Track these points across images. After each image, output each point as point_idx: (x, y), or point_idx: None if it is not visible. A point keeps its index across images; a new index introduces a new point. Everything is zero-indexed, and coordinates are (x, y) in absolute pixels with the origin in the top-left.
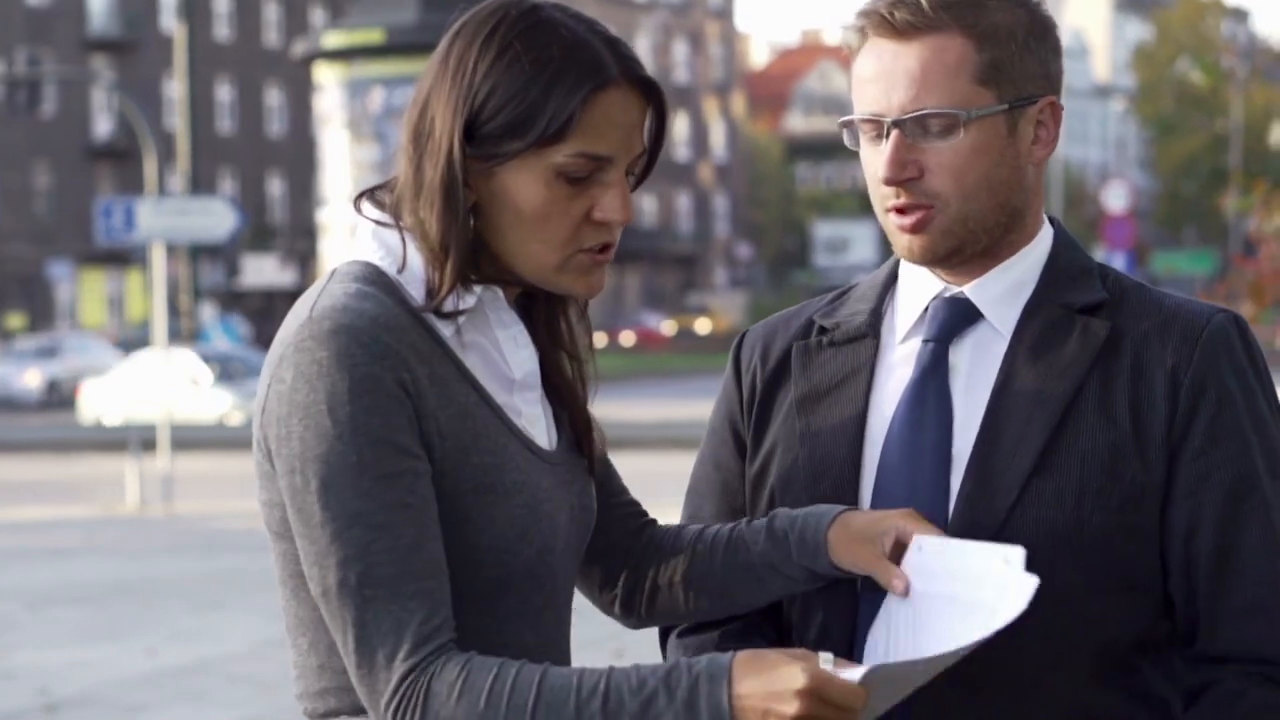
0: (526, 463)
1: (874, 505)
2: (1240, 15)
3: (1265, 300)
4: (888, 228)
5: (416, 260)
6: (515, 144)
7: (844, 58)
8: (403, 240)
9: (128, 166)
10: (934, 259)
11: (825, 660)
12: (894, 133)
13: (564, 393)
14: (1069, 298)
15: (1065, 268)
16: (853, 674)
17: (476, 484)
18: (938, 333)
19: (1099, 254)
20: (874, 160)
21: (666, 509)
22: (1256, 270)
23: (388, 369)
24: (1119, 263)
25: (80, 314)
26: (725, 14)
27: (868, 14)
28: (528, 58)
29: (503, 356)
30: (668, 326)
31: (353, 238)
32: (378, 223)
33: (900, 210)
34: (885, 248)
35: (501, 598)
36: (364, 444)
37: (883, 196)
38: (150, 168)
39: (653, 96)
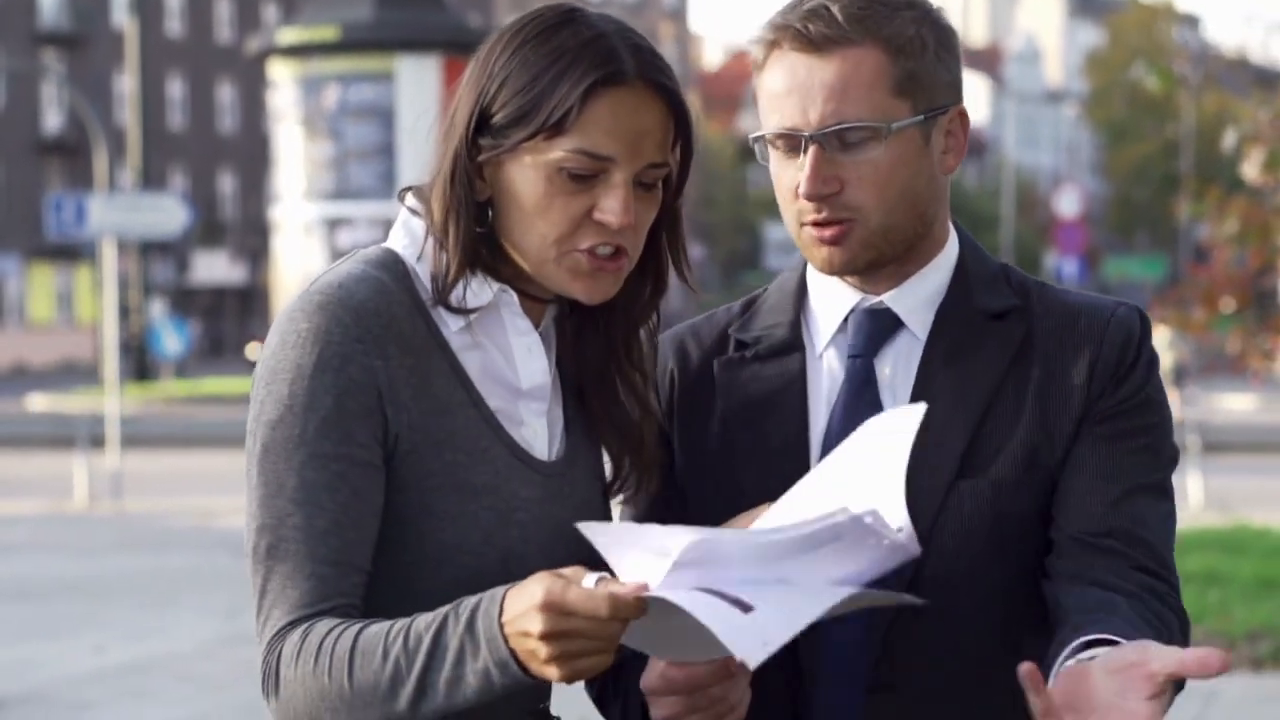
0: (507, 468)
1: None
2: (1192, 21)
3: (1217, 307)
4: (803, 240)
5: (430, 250)
6: (518, 134)
7: None
8: (426, 231)
9: (78, 161)
10: (853, 270)
11: (590, 579)
12: (813, 148)
13: (606, 408)
14: (981, 303)
15: (974, 272)
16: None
17: (444, 481)
18: (864, 347)
19: (1051, 259)
20: (788, 175)
21: None
22: (1209, 277)
23: (360, 352)
24: (1071, 268)
25: (29, 310)
26: (679, 14)
27: (780, 27)
28: (542, 50)
29: (511, 363)
30: None
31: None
32: (411, 211)
33: (818, 224)
34: None
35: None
36: (310, 419)
37: (799, 211)
38: (100, 163)
39: (675, 106)
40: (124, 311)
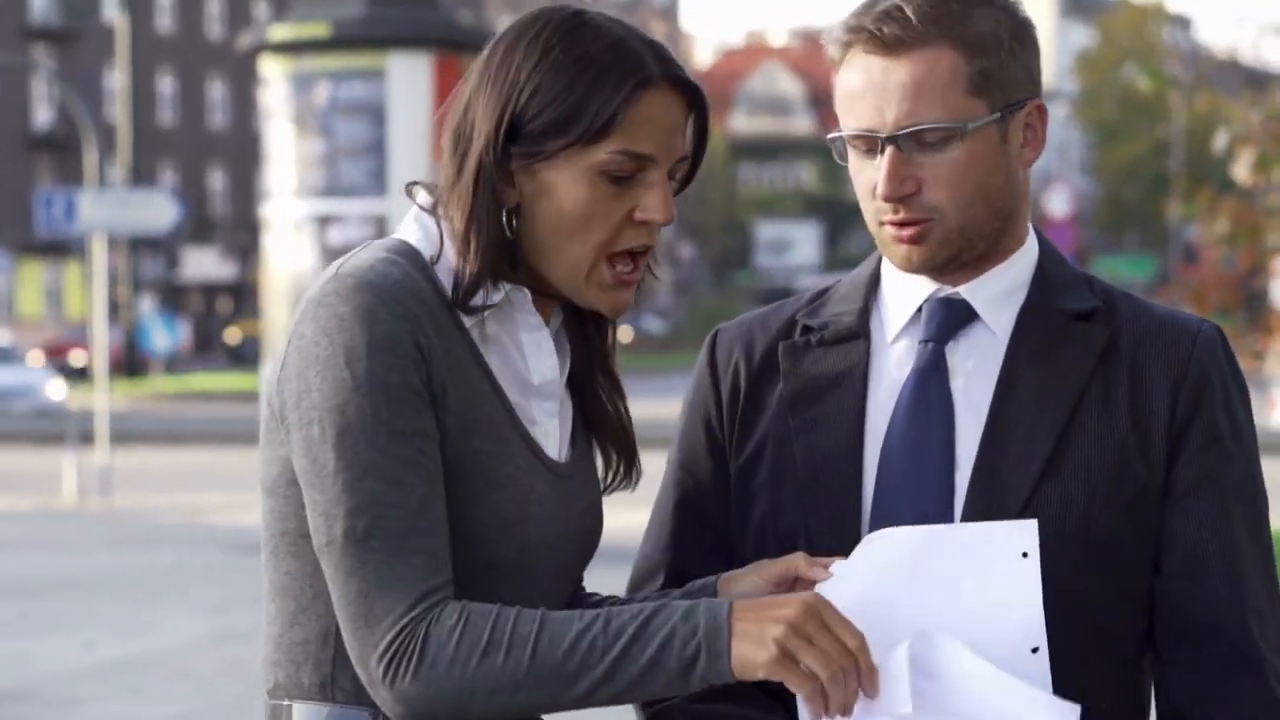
0: (526, 462)
1: (876, 503)
2: (1183, 22)
3: (1207, 307)
4: (882, 238)
5: (451, 254)
6: (559, 141)
7: (789, 58)
8: (441, 234)
9: (67, 157)
10: (932, 268)
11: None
12: (889, 149)
13: (598, 409)
14: (1063, 303)
15: (1055, 274)
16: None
17: (471, 467)
18: (936, 333)
19: None
20: (867, 175)
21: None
22: (1199, 277)
23: (407, 330)
24: None
25: (17, 305)
26: (670, 14)
27: (855, 29)
28: (570, 56)
29: (523, 359)
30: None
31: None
32: (423, 208)
33: (897, 224)
34: (827, 248)
35: (478, 598)
36: (380, 398)
37: (877, 210)
38: (90, 159)
39: (694, 100)
40: (113, 308)
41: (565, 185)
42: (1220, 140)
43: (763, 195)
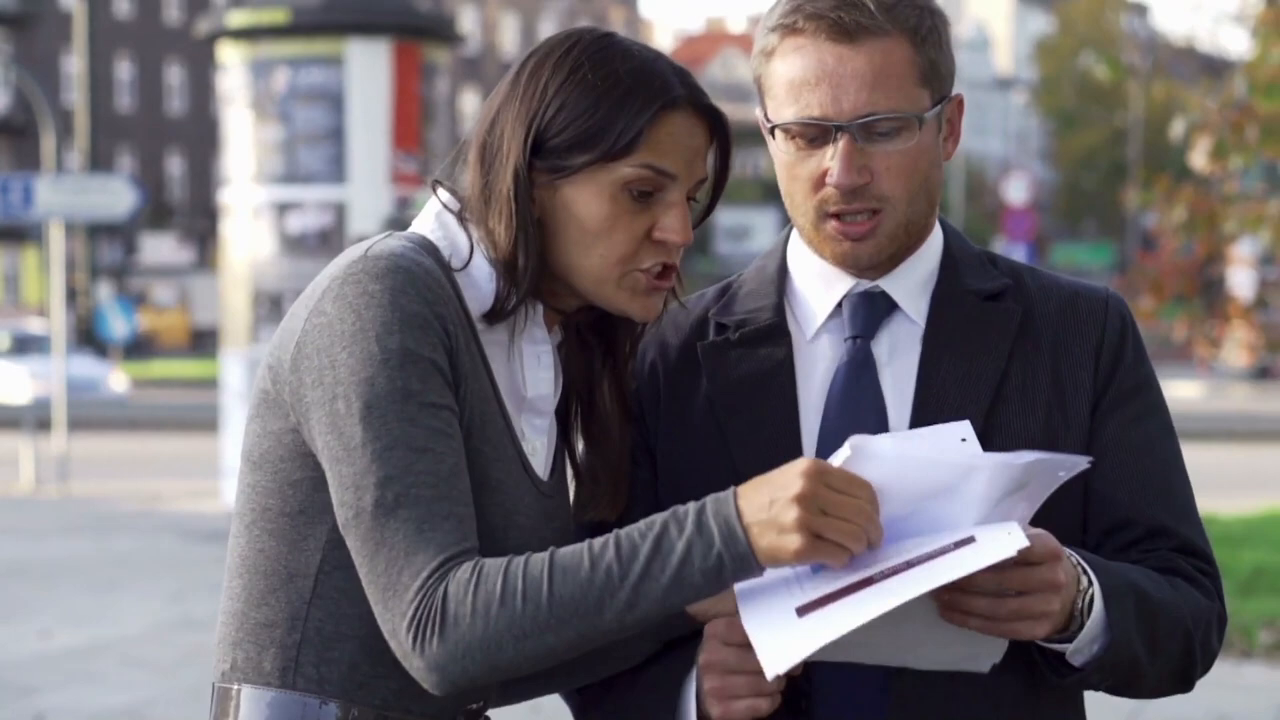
0: (516, 472)
1: None
2: (1140, 10)
3: (1165, 295)
4: (820, 233)
5: (483, 267)
6: (583, 157)
7: (748, 45)
8: (470, 243)
9: (24, 143)
10: (876, 263)
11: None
12: (844, 138)
13: (601, 431)
14: (974, 285)
15: (960, 256)
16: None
17: (470, 465)
18: (861, 329)
19: (999, 246)
20: (810, 166)
21: None
22: (1157, 265)
23: (433, 315)
24: (1019, 254)
25: None
26: (630, 0)
27: (812, 15)
28: (598, 75)
29: (521, 370)
30: None
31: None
32: (448, 208)
33: (840, 215)
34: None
35: None
36: (411, 371)
37: (822, 201)
38: (48, 144)
39: (717, 126)
40: (71, 294)
41: (587, 200)
42: (1178, 128)
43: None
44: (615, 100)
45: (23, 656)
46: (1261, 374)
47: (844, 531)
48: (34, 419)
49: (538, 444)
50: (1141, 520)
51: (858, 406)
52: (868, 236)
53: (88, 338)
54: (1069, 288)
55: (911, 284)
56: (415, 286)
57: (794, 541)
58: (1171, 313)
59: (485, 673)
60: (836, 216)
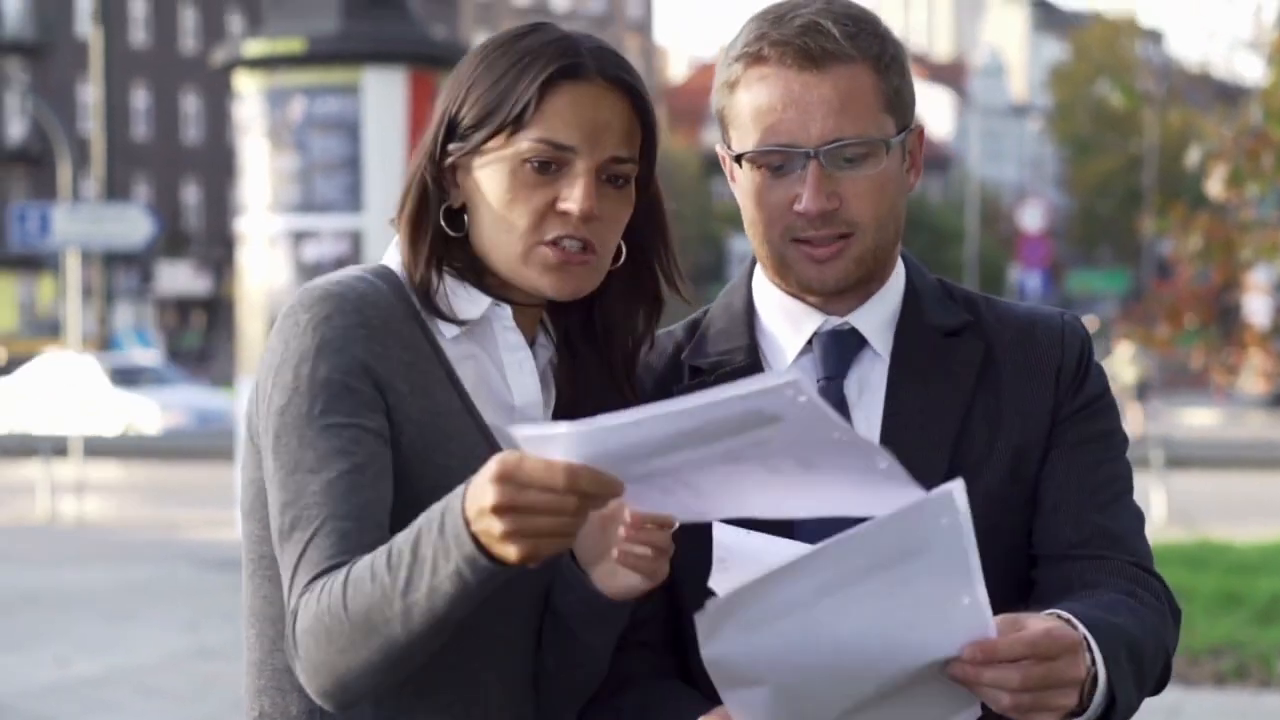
0: None
1: (800, 537)
2: (1155, 36)
3: (1181, 323)
4: (787, 258)
5: (403, 261)
6: (483, 132)
7: None
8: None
9: (41, 171)
10: (844, 287)
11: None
12: (813, 163)
13: None
14: (935, 320)
15: (921, 289)
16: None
17: (438, 483)
18: (834, 369)
19: (1014, 272)
20: (778, 193)
21: None
22: (1173, 293)
23: (360, 337)
24: (1034, 281)
25: None
26: (644, 27)
27: (776, 43)
28: (507, 53)
29: (504, 379)
30: None
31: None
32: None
33: (811, 241)
34: None
35: None
36: (318, 395)
37: (789, 229)
38: (64, 173)
39: (637, 104)
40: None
41: (491, 176)
42: (1193, 155)
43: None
44: (514, 75)
45: (38, 685)
46: (1278, 401)
47: (549, 530)
48: (50, 446)
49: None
50: (1093, 527)
51: None
52: (835, 259)
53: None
54: (1026, 317)
55: (880, 319)
56: (340, 311)
57: (511, 552)
58: (1188, 340)
59: (341, 688)
60: (805, 242)
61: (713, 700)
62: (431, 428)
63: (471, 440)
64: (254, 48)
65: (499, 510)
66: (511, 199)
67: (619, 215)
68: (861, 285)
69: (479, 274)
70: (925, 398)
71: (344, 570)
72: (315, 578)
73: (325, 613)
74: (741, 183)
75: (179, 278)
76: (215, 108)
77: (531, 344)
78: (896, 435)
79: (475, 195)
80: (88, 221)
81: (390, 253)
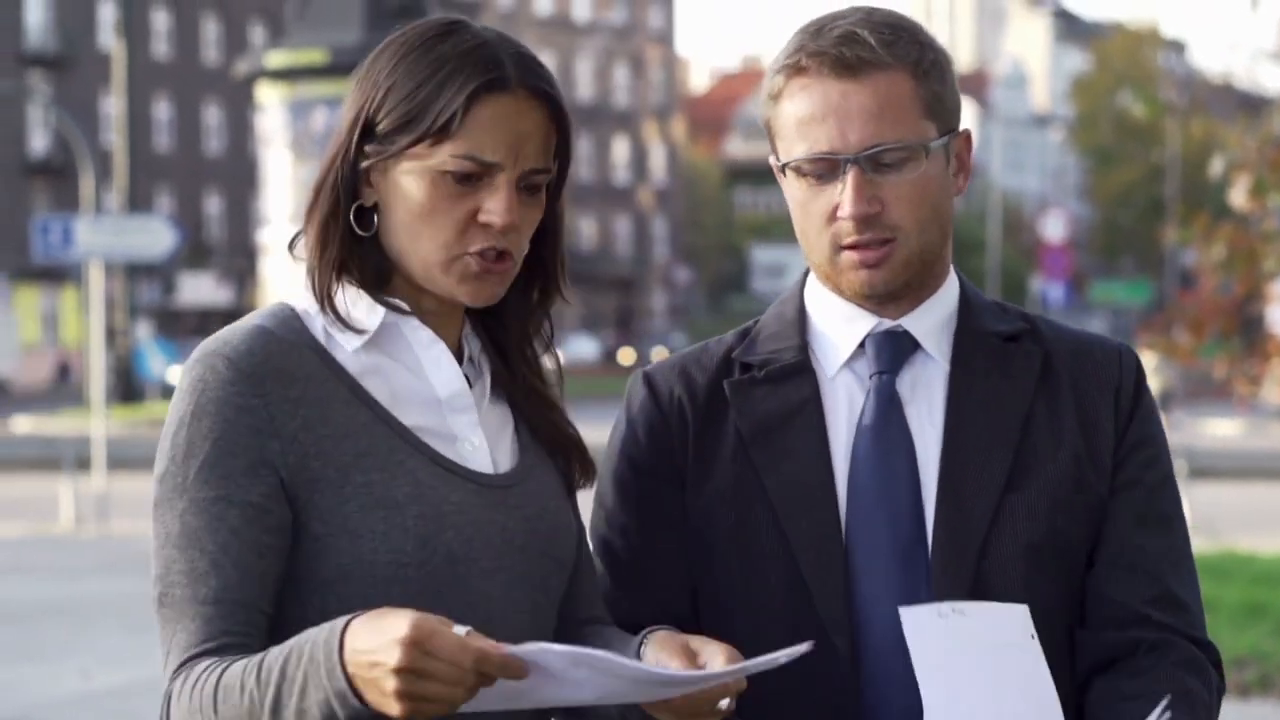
0: (431, 477)
1: (851, 533)
2: (1178, 47)
3: (1204, 334)
4: (840, 265)
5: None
6: (404, 139)
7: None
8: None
9: (64, 183)
10: (890, 291)
11: (460, 630)
12: (853, 170)
13: (536, 422)
14: (992, 326)
15: (975, 299)
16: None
17: (364, 501)
18: (887, 365)
19: (1036, 282)
20: (821, 202)
21: None
22: (1196, 303)
23: (234, 394)
24: (1056, 292)
25: (13, 332)
26: (666, 38)
27: (813, 54)
28: (426, 58)
29: (424, 378)
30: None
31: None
32: (300, 259)
33: (857, 246)
34: None
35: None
36: (190, 467)
37: (836, 235)
38: (87, 185)
39: (553, 111)
40: (110, 333)
41: (411, 184)
42: (1216, 166)
43: (759, 220)
44: (438, 82)
45: (62, 697)
46: None
47: (441, 695)
48: (74, 458)
49: (475, 440)
50: (1159, 590)
51: (887, 440)
52: (882, 264)
53: (126, 376)
54: (1081, 334)
55: (932, 323)
56: (214, 370)
57: (395, 708)
58: (1211, 351)
59: None
60: (852, 248)
61: None
62: (339, 451)
63: (388, 448)
64: (276, 59)
65: (400, 672)
66: (432, 209)
67: (532, 221)
68: (911, 290)
69: (385, 275)
70: (987, 399)
71: (215, 672)
72: (183, 664)
73: (198, 712)
74: (789, 192)
75: (201, 289)
76: (237, 119)
77: (459, 339)
78: (960, 434)
79: (391, 198)
80: (110, 233)
81: (295, 288)
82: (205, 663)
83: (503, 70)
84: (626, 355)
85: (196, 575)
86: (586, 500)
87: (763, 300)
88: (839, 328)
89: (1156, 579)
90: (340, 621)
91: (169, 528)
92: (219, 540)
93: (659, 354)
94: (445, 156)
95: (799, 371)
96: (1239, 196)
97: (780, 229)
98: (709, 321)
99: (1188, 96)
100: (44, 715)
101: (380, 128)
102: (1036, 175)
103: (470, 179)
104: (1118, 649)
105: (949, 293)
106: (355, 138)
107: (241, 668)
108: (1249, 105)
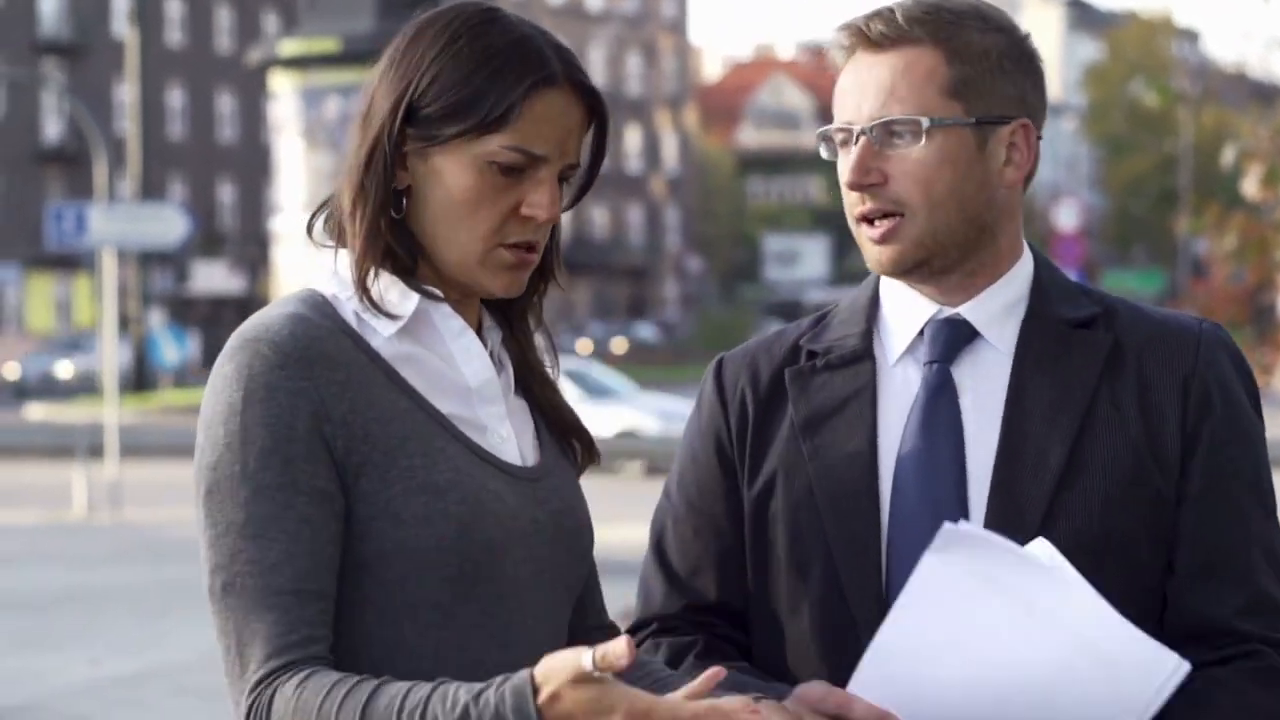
0: (469, 464)
1: (893, 525)
2: (1191, 36)
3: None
4: (860, 240)
5: (345, 262)
6: (454, 127)
7: (797, 72)
8: (336, 254)
9: (78, 171)
10: (902, 270)
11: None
12: (862, 140)
13: (543, 407)
14: (1063, 313)
15: (1051, 285)
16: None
17: (407, 485)
18: (941, 353)
19: None
20: (843, 168)
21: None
22: (1208, 292)
23: (283, 379)
24: None
25: (27, 318)
26: (679, 27)
27: (847, 28)
28: (474, 47)
29: (455, 367)
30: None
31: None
32: (323, 245)
33: (868, 219)
34: (835, 261)
35: (460, 606)
36: (249, 453)
37: (851, 204)
38: (100, 172)
39: (594, 106)
40: (123, 321)
41: (455, 172)
42: (1228, 155)
43: (771, 208)
44: (489, 73)
45: (73, 684)
46: None
47: None
48: (86, 446)
49: (503, 431)
50: (1256, 589)
51: (935, 430)
52: (889, 239)
53: (139, 364)
54: (1159, 317)
55: (993, 310)
56: (260, 355)
57: None
58: None
59: None
60: (863, 220)
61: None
62: (384, 435)
63: (429, 433)
64: (289, 47)
65: None
66: (477, 199)
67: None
68: (966, 279)
69: (413, 259)
70: (1048, 391)
71: (353, 697)
72: (281, 668)
73: None
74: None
75: (214, 277)
76: (250, 107)
77: (480, 329)
78: (1018, 429)
79: (428, 184)
80: (124, 221)
81: (318, 274)
82: (319, 678)
83: (550, 65)
84: (584, 346)
85: (268, 565)
86: (589, 490)
87: (774, 288)
88: (903, 314)
89: (1244, 581)
90: (524, 677)
91: (231, 517)
92: (289, 529)
93: (582, 345)
94: (495, 146)
95: (859, 359)
96: (1251, 186)
97: (792, 217)
98: (721, 310)
99: (1201, 86)
100: (55, 703)
101: (425, 112)
102: (1049, 164)
103: (514, 171)
104: (1199, 664)
105: (1017, 279)
106: (398, 121)
107: (394, 706)
108: (1262, 95)
